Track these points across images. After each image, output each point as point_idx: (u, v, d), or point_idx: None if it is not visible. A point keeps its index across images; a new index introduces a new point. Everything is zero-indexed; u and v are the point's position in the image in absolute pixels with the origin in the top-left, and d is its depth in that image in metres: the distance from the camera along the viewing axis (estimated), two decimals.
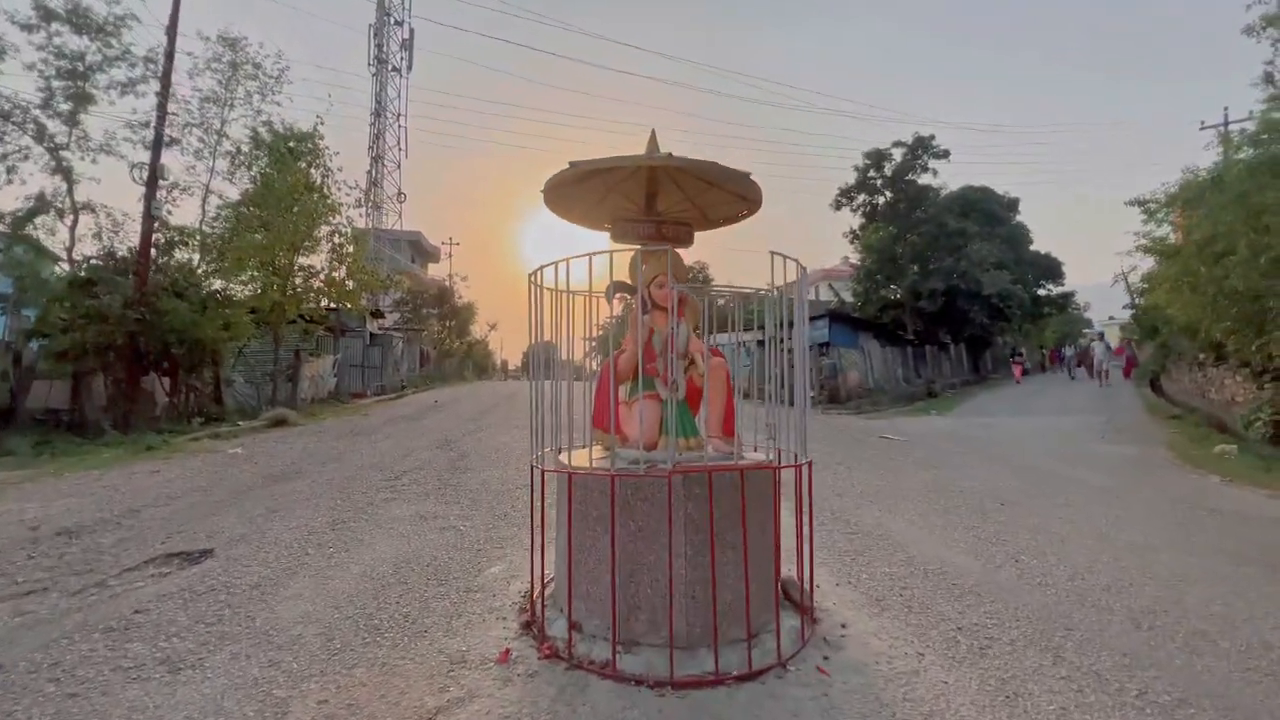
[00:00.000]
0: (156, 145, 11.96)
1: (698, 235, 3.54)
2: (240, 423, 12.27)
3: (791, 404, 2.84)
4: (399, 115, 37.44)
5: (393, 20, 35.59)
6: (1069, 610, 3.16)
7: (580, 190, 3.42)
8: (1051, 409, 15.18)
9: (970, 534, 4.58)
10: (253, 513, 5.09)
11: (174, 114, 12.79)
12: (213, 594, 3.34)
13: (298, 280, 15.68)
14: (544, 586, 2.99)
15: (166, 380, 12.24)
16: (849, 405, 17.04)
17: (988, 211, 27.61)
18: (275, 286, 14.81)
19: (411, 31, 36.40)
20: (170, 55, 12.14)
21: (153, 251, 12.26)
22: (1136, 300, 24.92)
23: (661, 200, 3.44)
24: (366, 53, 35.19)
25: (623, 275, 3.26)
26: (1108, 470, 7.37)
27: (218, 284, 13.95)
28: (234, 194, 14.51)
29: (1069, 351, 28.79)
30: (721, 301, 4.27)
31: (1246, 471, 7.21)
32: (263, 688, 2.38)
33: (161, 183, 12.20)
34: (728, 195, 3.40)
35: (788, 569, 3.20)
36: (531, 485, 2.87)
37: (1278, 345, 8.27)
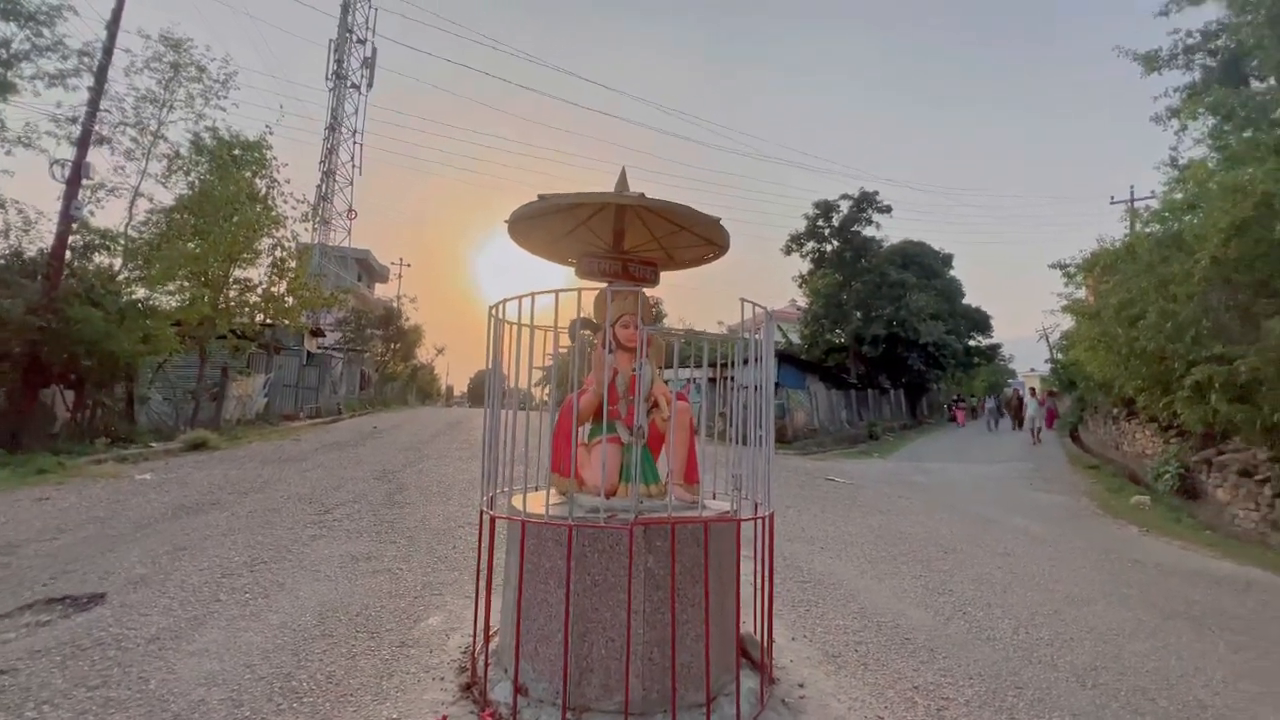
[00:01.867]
0: (83, 142, 11.16)
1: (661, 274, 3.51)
2: (153, 444, 11.26)
3: (745, 443, 2.78)
4: (355, 131, 36.66)
5: (355, 37, 35.15)
6: (1018, 667, 3.17)
7: (546, 223, 3.33)
8: (983, 456, 15.90)
9: (918, 583, 4.61)
10: (157, 550, 4.57)
11: (106, 111, 12.01)
12: (100, 649, 2.92)
13: (232, 293, 14.79)
14: (487, 643, 2.76)
15: (70, 394, 11.15)
16: (795, 445, 17.32)
17: (925, 265, 29.34)
18: (206, 299, 13.89)
19: (374, 50, 36.01)
20: (109, 50, 11.46)
21: (68, 254, 11.31)
22: (1056, 355, 26.81)
23: (629, 238, 3.39)
24: (326, 66, 34.50)
25: (587, 312, 3.17)
26: (1040, 518, 7.69)
27: (141, 293, 12.97)
28: (167, 199, 13.67)
29: (990, 402, 28.78)
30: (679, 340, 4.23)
31: (1161, 522, 7.69)
32: None
33: (85, 182, 11.34)
34: (695, 239, 3.39)
35: (743, 624, 3.09)
36: (480, 533, 2.67)
37: (1183, 404, 8.96)
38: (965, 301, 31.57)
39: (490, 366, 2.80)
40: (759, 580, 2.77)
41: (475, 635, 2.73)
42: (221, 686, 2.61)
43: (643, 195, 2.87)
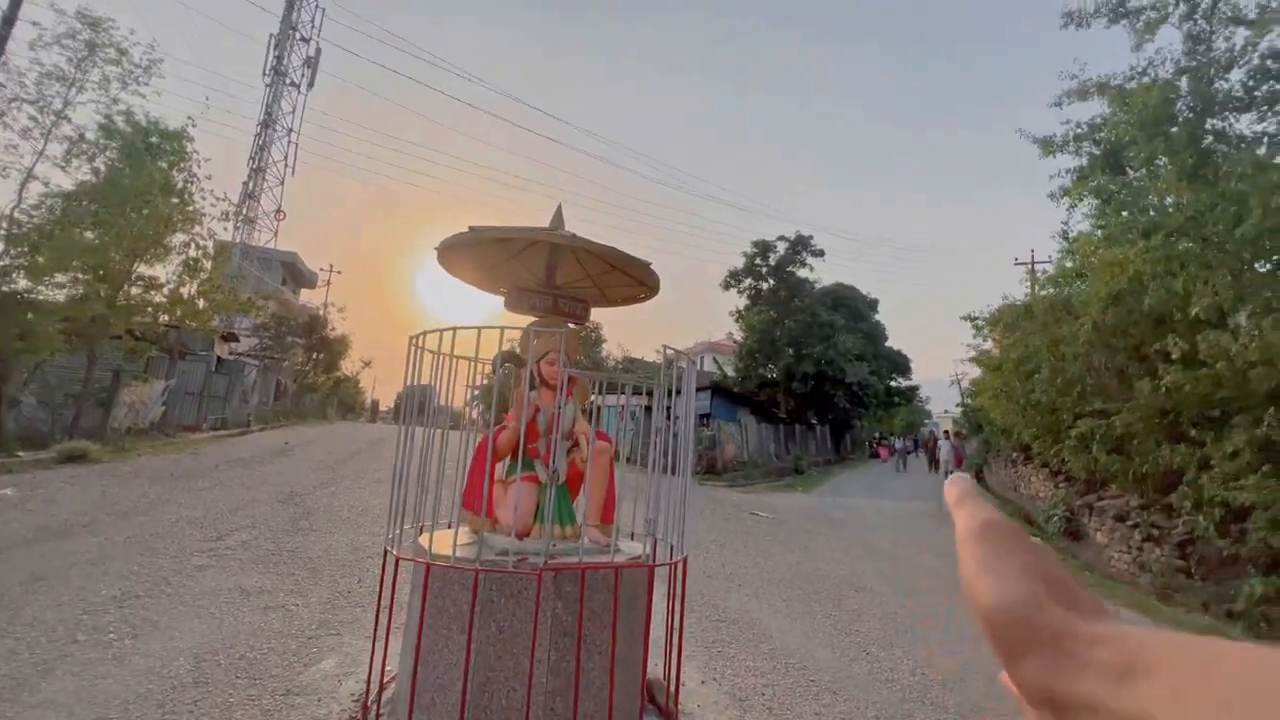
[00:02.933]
0: None
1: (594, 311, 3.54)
2: (20, 454, 10.06)
3: (671, 472, 2.80)
4: (290, 130, 35.12)
5: (298, 35, 33.93)
6: (911, 709, 3.31)
7: (477, 252, 3.31)
8: (899, 493, 16.73)
9: (828, 622, 4.74)
10: (9, 580, 4.05)
11: (1, 85, 10.97)
12: None
13: (134, 291, 13.61)
14: (381, 691, 2.60)
15: None
16: (724, 477, 17.61)
17: (854, 308, 31.03)
18: (101, 294, 12.70)
19: (318, 50, 34.86)
20: (10, 20, 10.53)
21: None
22: (966, 400, 28.81)
23: (561, 274, 3.41)
24: (264, 61, 33.04)
25: (511, 345, 3.14)
26: (945, 555, 8.13)
27: (23, 283, 11.71)
28: (66, 183, 12.51)
29: (900, 444, 28.14)
30: (612, 365, 4.24)
31: None
32: None
33: None
34: (628, 279, 3.45)
35: (654, 666, 3.07)
36: (383, 573, 2.54)
37: (1069, 452, 9.82)
38: (888, 344, 33.54)
39: (404, 397, 2.71)
40: (670, 625, 2.77)
41: (369, 682, 2.57)
42: None
43: (575, 235, 2.90)
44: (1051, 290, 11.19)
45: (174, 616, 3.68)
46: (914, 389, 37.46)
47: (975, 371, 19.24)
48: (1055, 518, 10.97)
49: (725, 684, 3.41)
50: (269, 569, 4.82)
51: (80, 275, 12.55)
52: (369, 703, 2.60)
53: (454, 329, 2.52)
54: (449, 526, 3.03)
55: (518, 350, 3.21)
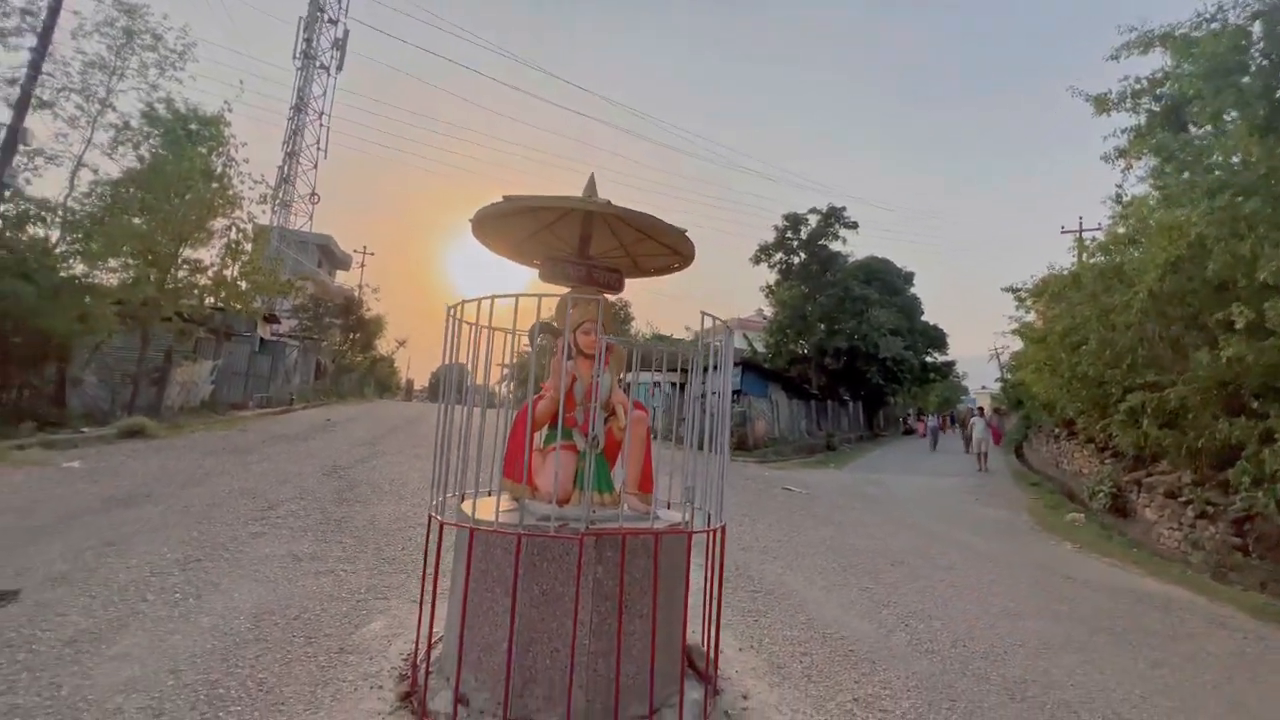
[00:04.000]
0: (22, 106, 10.50)
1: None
2: (85, 430, 10.64)
3: (702, 447, 2.79)
4: (321, 113, 35.56)
5: (326, 17, 34.11)
6: (953, 680, 3.28)
7: (511, 223, 3.30)
8: (933, 470, 16.43)
9: (865, 595, 4.72)
10: (82, 545, 4.32)
11: (49, 75, 11.33)
12: (7, 651, 2.73)
13: (180, 274, 14.11)
14: (430, 650, 2.69)
15: None
16: (755, 453, 17.55)
17: (888, 281, 30.21)
18: (151, 278, 13.22)
19: (346, 31, 35.02)
20: (56, 10, 10.83)
21: None
22: (1006, 375, 27.96)
23: (595, 244, 3.38)
24: (294, 45, 33.38)
25: (548, 317, 3.15)
26: (982, 533, 7.98)
27: (80, 268, 12.26)
28: (114, 170, 12.96)
29: (932, 420, 26.18)
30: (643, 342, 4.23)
31: (1093, 539, 8.07)
32: None
33: (22, 148, 10.67)
34: (661, 248, 3.41)
35: (692, 633, 3.11)
36: (427, 538, 2.61)
37: (1117, 426, 9.45)
38: (924, 319, 32.65)
39: (445, 368, 2.74)
40: (709, 591, 2.79)
41: (417, 643, 2.66)
42: (141, 693, 2.47)
43: (609, 202, 2.86)
44: (1101, 258, 10.64)
45: (233, 579, 3.87)
46: (950, 364, 36.39)
47: (1016, 345, 18.61)
48: (1101, 494, 10.64)
49: (763, 651, 3.43)
50: (318, 537, 5.02)
51: (130, 260, 13.07)
52: (418, 661, 2.70)
53: (492, 297, 2.53)
54: (490, 495, 3.08)
55: (553, 321, 3.22)
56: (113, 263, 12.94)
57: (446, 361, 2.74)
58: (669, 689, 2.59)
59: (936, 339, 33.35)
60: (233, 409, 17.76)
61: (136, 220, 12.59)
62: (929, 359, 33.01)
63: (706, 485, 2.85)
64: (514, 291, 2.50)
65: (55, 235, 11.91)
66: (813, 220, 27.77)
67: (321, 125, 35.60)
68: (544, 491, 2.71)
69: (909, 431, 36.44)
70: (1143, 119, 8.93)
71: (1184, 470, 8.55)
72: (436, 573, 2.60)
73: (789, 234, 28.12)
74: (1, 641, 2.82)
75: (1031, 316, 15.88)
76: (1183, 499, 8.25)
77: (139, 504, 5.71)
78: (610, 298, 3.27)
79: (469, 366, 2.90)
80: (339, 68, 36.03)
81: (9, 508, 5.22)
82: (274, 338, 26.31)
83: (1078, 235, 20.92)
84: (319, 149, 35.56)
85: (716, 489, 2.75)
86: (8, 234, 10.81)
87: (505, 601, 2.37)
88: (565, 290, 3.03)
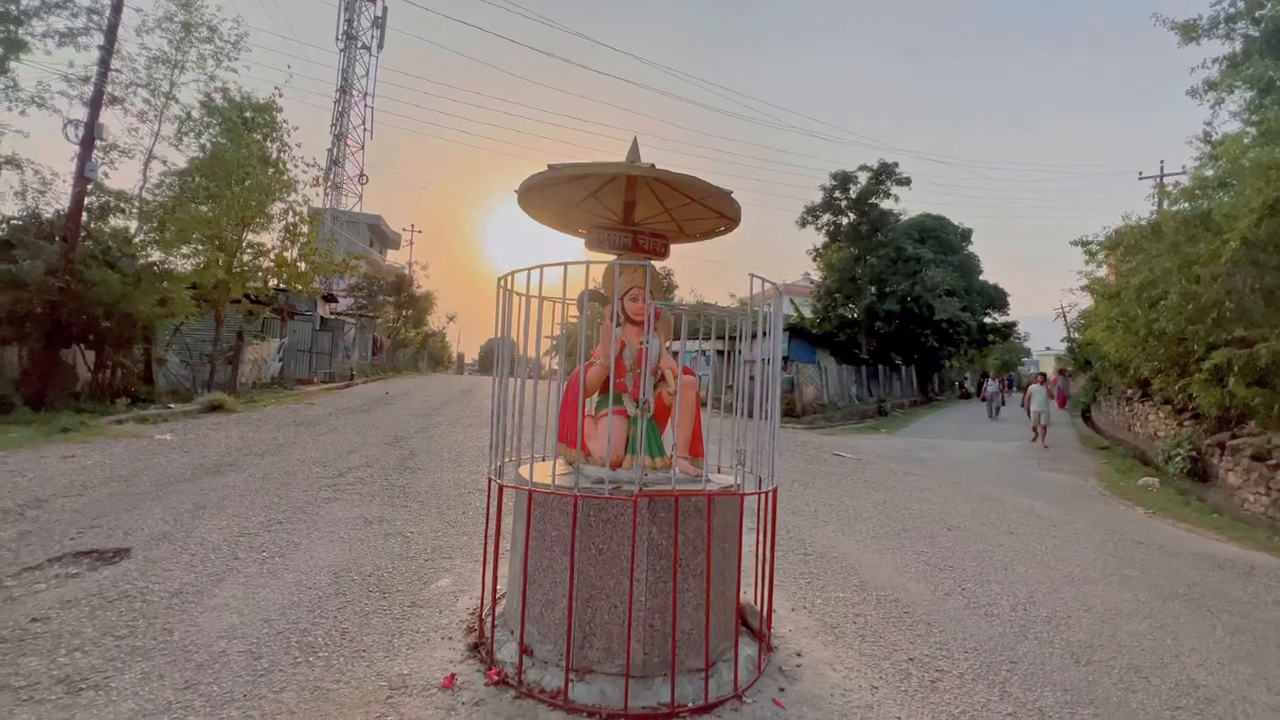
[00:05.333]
0: (96, 102, 11.13)
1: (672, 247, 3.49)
2: (172, 405, 11.51)
3: (750, 414, 2.80)
4: (365, 94, 36.22)
5: None
6: (1013, 642, 3.23)
7: (556, 193, 3.31)
8: (992, 435, 15.85)
9: (920, 559, 4.66)
10: (179, 508, 4.73)
11: (118, 71, 11.93)
12: (126, 601, 3.06)
13: (245, 257, 14.88)
14: (494, 606, 2.85)
15: (90, 355, 11.39)
16: (804, 420, 17.36)
17: (943, 239, 28.81)
18: (220, 262, 14.00)
19: (385, 9, 35.30)
20: (118, 8, 11.33)
21: (84, 216, 11.39)
22: (1073, 334, 26.42)
23: (639, 210, 3.37)
24: (336, 26, 33.91)
25: (595, 285, 3.17)
26: (1046, 497, 7.70)
27: (156, 256, 13.09)
28: (180, 161, 13.68)
29: (991, 384, 22.76)
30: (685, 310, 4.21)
31: (1168, 504, 7.66)
32: (175, 714, 2.16)
33: (99, 143, 11.35)
34: (707, 211, 3.36)
35: (744, 592, 3.16)
36: (489, 500, 2.73)
37: (1198, 386, 8.84)
38: (982, 278, 31.07)
39: (499, 337, 2.82)
40: (761, 552, 2.82)
41: (483, 598, 2.82)
42: (241, 639, 2.72)
43: (653, 166, 2.83)
44: (1186, 205, 9.80)
45: (312, 540, 4.17)
46: (1011, 325, 34.55)
47: (1085, 302, 17.51)
48: (1178, 458, 10.04)
49: (815, 612, 3.47)
50: (385, 501, 5.32)
51: (200, 246, 13.86)
52: (484, 616, 2.86)
53: (540, 267, 2.57)
54: (545, 460, 3.19)
55: (601, 289, 3.25)
56: (185, 249, 13.76)
57: (499, 332, 2.82)
58: (723, 645, 2.67)
59: (996, 299, 31.71)
60: (300, 384, 18.81)
61: (204, 208, 13.29)
62: (988, 320, 31.50)
63: (757, 449, 2.86)
64: (562, 261, 2.53)
65: (133, 225, 12.73)
66: (862, 178, 26.57)
67: (366, 106, 36.34)
68: (597, 456, 2.78)
69: (966, 396, 35.13)
70: (1238, 46, 8.06)
71: (1274, 432, 7.96)
72: (498, 533, 2.73)
73: (837, 194, 27.03)
74: (119, 592, 3.15)
75: (1103, 272, 14.89)
76: (1272, 462, 7.69)
77: (224, 472, 6.18)
78: (657, 264, 3.27)
79: (515, 338, 2.98)
80: (380, 46, 36.48)
81: (115, 476, 5.75)
82: (333, 316, 27.52)
83: (1158, 181, 19.31)
84: (365, 130, 36.39)
85: (768, 453, 2.75)
86: (93, 225, 11.60)
87: (564, 560, 2.47)
88: (612, 258, 3.04)
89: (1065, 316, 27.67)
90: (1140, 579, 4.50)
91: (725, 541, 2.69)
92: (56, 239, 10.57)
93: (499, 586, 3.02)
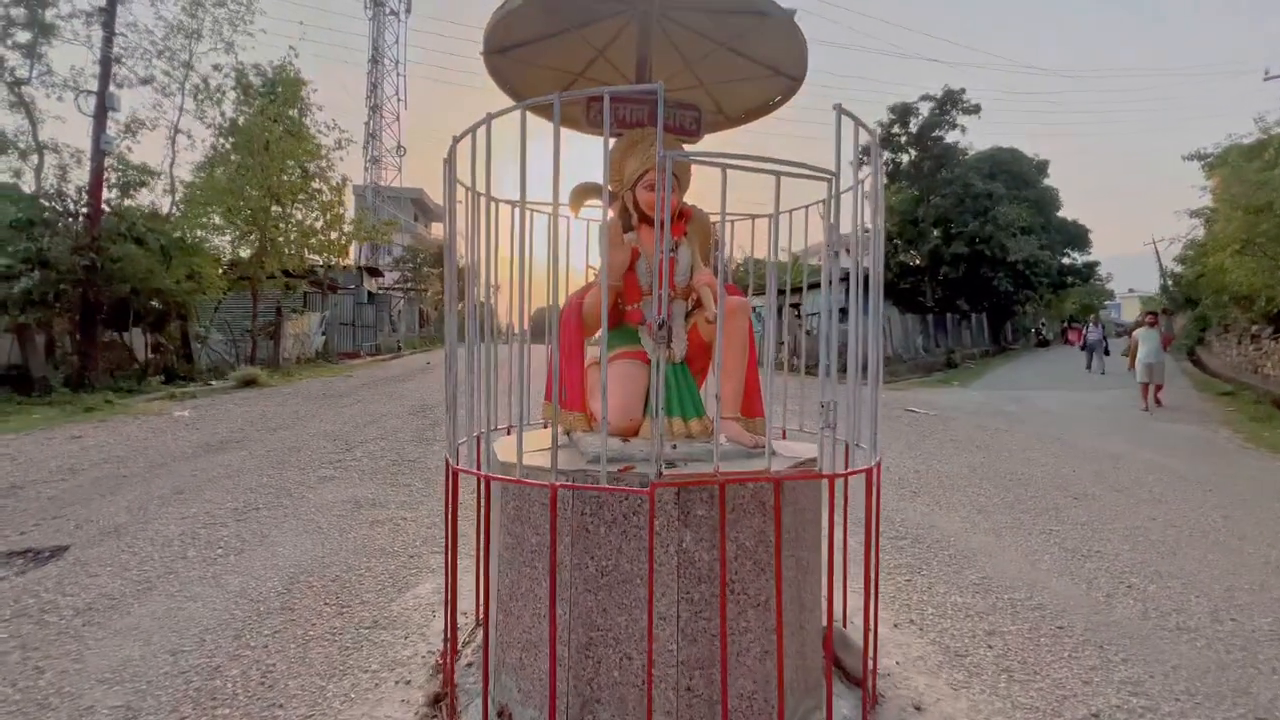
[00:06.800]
0: (104, 71, 10.72)
1: (709, 140, 2.45)
2: (213, 382, 11.37)
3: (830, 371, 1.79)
4: (397, 62, 35.55)
5: None
6: (1244, 678, 2.15)
7: (545, 54, 2.31)
8: (1083, 383, 14.05)
9: (1051, 541, 3.56)
10: (152, 494, 4.14)
11: (124, 36, 11.47)
12: (16, 622, 2.39)
13: (279, 231, 14.54)
14: (455, 645, 2.00)
15: (145, 336, 11.32)
16: (866, 374, 15.98)
17: (1017, 173, 25.99)
18: (252, 237, 13.73)
19: None
20: None
21: (111, 192, 11.16)
22: (1174, 270, 23.47)
23: (658, 71, 2.33)
24: None
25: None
26: (1175, 453, 6.32)
27: (188, 231, 12.87)
28: (205, 134, 13.34)
29: (1094, 332, 17.60)
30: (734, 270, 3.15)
31: None
32: None
33: (114, 114, 10.99)
34: (752, 66, 2.30)
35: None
36: (447, 489, 1.86)
37: None
38: (1061, 214, 28.04)
39: (448, 248, 1.89)
40: (865, 556, 1.84)
41: (447, 630, 1.94)
42: (125, 685, 1.98)
43: None
44: None
45: (283, 531, 3.47)
46: (1093, 265, 31.17)
47: (1192, 233, 15.14)
48: None
49: (929, 629, 2.47)
50: (386, 480, 4.61)
51: (235, 220, 13.59)
52: (448, 659, 2.02)
53: (490, 116, 1.57)
54: (545, 428, 2.27)
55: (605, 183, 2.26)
56: (218, 220, 13.53)
57: (449, 238, 1.89)
58: (806, 704, 1.73)
59: (1076, 236, 28.59)
60: (345, 357, 18.76)
61: (220, 171, 12.95)
62: (1066, 260, 28.49)
63: (851, 404, 1.85)
64: (519, 104, 1.54)
65: (162, 200, 12.52)
66: (924, 110, 24.00)
67: (399, 75, 35.69)
68: (600, 418, 1.84)
69: (1043, 343, 32.22)
70: None
71: None
72: (454, 540, 1.86)
73: (895, 129, 24.60)
74: (18, 609, 2.50)
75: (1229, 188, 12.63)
76: None
77: (228, 449, 5.64)
78: (686, 147, 2.24)
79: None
80: (408, 10, 35.56)
81: (111, 457, 5.29)
82: (380, 290, 27.61)
83: None
84: (399, 100, 35.84)
85: (870, 406, 1.74)
86: (116, 201, 11.36)
87: (547, 583, 1.57)
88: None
89: (1158, 251, 24.58)
90: None
91: (803, 548, 1.73)
92: (80, 216, 10.35)
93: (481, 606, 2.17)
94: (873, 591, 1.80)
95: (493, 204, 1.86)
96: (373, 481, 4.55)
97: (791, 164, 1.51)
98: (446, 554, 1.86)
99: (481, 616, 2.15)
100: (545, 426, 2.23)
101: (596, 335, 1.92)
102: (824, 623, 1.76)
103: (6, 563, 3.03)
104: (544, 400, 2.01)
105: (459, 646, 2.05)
